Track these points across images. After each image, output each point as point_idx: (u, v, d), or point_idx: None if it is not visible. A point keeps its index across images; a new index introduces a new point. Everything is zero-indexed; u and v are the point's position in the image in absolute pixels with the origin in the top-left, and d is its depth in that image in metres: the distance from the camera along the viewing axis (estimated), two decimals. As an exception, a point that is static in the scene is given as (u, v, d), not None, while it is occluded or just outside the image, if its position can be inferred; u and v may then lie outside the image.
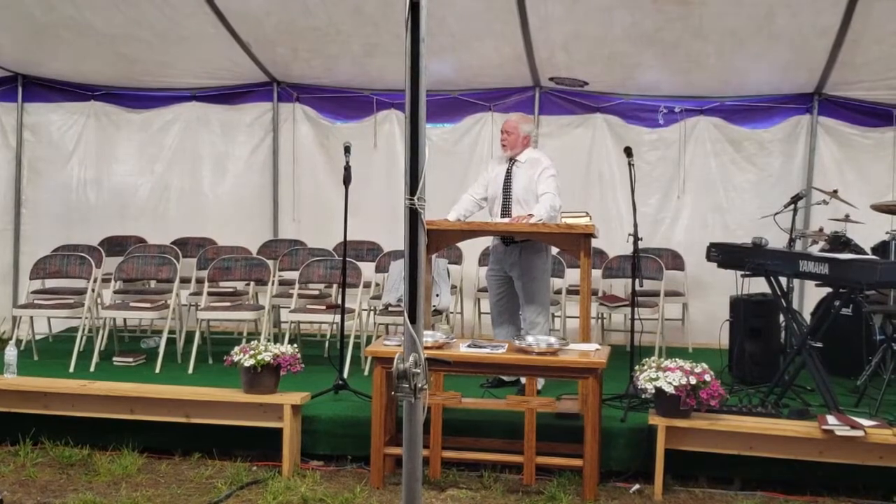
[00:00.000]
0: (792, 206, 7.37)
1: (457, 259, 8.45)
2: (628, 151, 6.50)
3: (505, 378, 6.56)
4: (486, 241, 7.08)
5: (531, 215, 6.19)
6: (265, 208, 9.54)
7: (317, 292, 8.19)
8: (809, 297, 8.31)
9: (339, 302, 6.91)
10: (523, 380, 6.09)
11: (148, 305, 7.46)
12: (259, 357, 5.56)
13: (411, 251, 2.62)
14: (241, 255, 8.26)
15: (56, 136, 9.58)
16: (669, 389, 5.07)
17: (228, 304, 7.77)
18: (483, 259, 8.33)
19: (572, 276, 7.98)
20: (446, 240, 6.38)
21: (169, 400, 5.75)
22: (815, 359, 5.91)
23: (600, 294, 8.19)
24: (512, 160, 6.60)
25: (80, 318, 7.56)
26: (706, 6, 7.06)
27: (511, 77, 8.80)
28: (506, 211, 6.54)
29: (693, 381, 5.09)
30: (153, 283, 8.69)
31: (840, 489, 5.29)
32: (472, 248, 8.43)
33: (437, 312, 7.24)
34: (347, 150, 6.61)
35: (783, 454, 5.18)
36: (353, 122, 9.40)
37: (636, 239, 6.38)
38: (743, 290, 6.91)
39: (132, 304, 7.56)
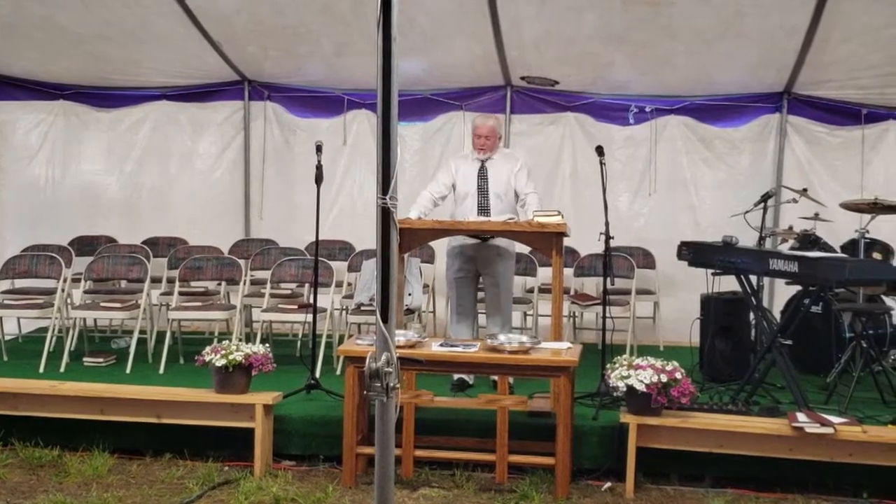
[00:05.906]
0: (762, 205, 7.42)
1: (429, 258, 8.43)
2: (600, 150, 6.49)
3: (467, 379, 6.56)
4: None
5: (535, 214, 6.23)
6: (237, 207, 9.50)
7: (289, 292, 8.17)
8: (779, 295, 8.38)
9: (311, 301, 6.90)
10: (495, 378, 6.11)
11: (118, 305, 7.41)
12: (230, 357, 5.53)
13: (383, 250, 2.62)
14: (213, 255, 8.21)
15: (24, 135, 9.48)
16: (641, 387, 5.09)
17: (200, 303, 7.73)
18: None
19: (544, 274, 8.01)
20: (419, 239, 6.38)
21: (140, 400, 5.71)
22: (785, 356, 5.96)
23: (572, 293, 8.19)
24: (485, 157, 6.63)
25: (49, 318, 7.48)
26: (675, 6, 7.10)
27: (482, 76, 8.80)
28: (483, 207, 6.55)
29: (664, 378, 5.11)
30: (123, 283, 8.58)
31: (810, 486, 5.33)
32: (444, 247, 8.39)
33: (410, 311, 7.24)
34: (319, 149, 6.60)
35: (753, 451, 5.21)
36: (324, 120, 9.36)
37: (608, 237, 6.36)
38: (714, 288, 6.93)
39: (102, 304, 7.51)
